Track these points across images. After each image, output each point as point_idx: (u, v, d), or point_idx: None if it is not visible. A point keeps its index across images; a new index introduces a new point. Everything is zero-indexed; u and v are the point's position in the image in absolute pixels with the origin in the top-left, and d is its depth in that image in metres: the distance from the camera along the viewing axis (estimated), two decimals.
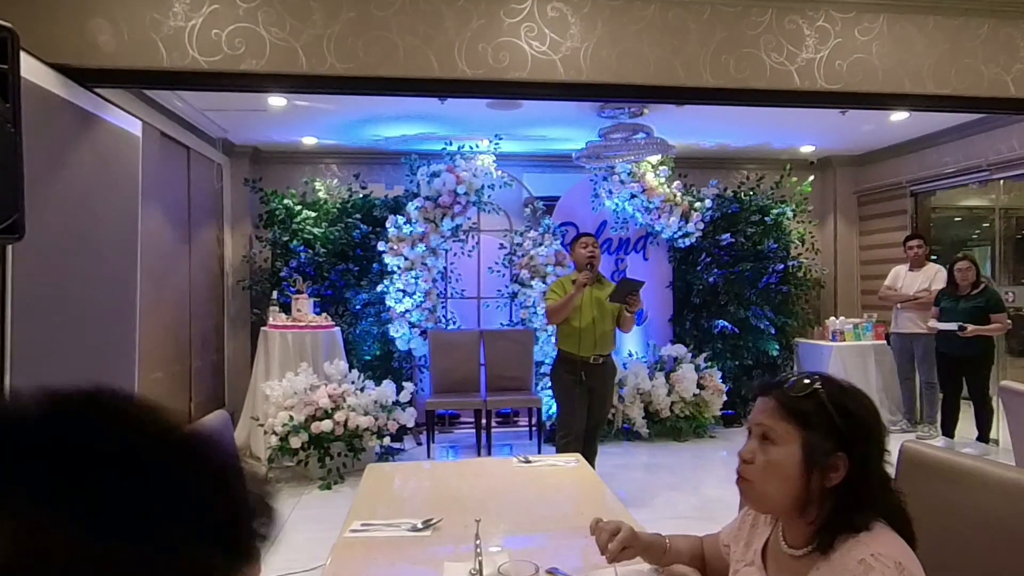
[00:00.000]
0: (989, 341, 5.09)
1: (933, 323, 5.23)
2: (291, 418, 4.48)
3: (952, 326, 4.99)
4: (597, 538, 1.45)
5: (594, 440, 4.02)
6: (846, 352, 5.95)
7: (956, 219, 7.48)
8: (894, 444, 1.61)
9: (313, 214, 5.88)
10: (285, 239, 5.84)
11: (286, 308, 5.43)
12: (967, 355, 5.07)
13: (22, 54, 1.84)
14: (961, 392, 5.25)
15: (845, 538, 1.07)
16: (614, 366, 4.10)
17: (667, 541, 1.49)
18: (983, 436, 5.12)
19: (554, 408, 5.48)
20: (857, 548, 1.05)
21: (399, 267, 5.55)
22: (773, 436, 1.13)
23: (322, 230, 5.81)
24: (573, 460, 2.49)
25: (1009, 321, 5.16)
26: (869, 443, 1.11)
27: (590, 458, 3.57)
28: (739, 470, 1.17)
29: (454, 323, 5.98)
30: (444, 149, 5.72)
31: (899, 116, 5.29)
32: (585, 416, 3.88)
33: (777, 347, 6.20)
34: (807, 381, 1.14)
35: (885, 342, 6.00)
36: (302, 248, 5.76)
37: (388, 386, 4.88)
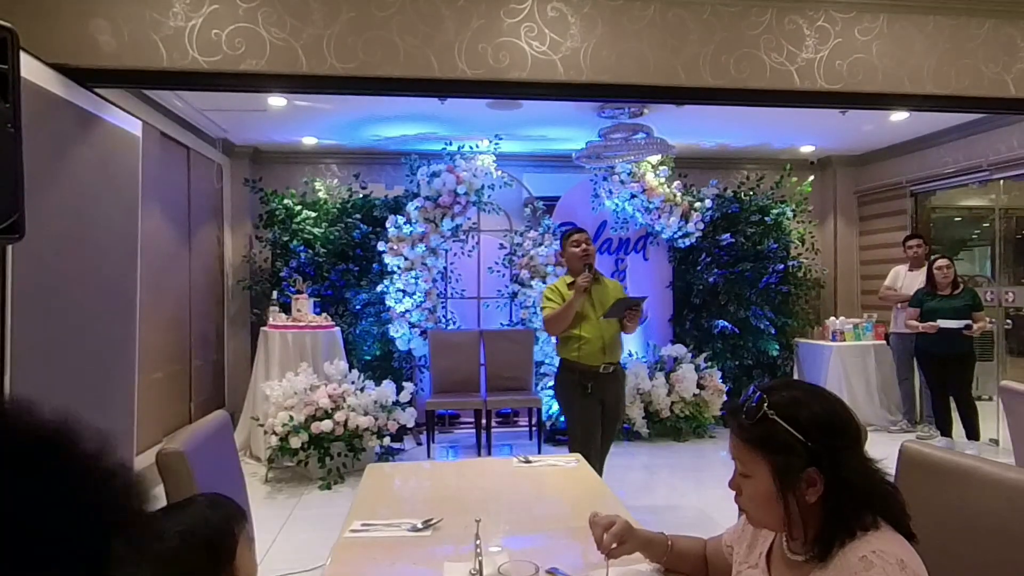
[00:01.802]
0: (972, 340, 5.10)
1: (912, 322, 5.20)
2: (291, 418, 4.48)
3: (958, 324, 4.96)
4: (593, 532, 1.45)
5: (605, 455, 3.65)
6: (846, 352, 5.95)
7: (956, 219, 7.48)
8: (894, 444, 1.62)
9: (313, 214, 5.88)
10: (285, 239, 5.84)
11: (286, 308, 5.43)
12: (954, 354, 5.05)
13: (22, 54, 1.83)
14: (947, 391, 5.25)
15: (844, 541, 1.07)
16: (623, 373, 3.78)
17: (669, 540, 1.50)
18: (974, 434, 5.12)
19: (555, 408, 5.49)
20: (858, 546, 1.05)
21: (399, 267, 5.55)
22: (743, 468, 1.15)
23: (322, 230, 5.81)
24: (573, 460, 2.49)
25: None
26: (835, 446, 1.09)
27: (601, 463, 3.45)
28: (736, 501, 1.20)
29: (454, 323, 5.98)
30: (444, 149, 5.72)
31: (899, 116, 5.28)
32: (599, 431, 3.53)
33: (777, 347, 6.20)
34: (755, 403, 1.13)
35: (885, 342, 6.00)
36: (302, 248, 5.76)
37: (388, 386, 4.88)
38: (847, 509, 1.08)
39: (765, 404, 1.12)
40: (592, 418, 3.50)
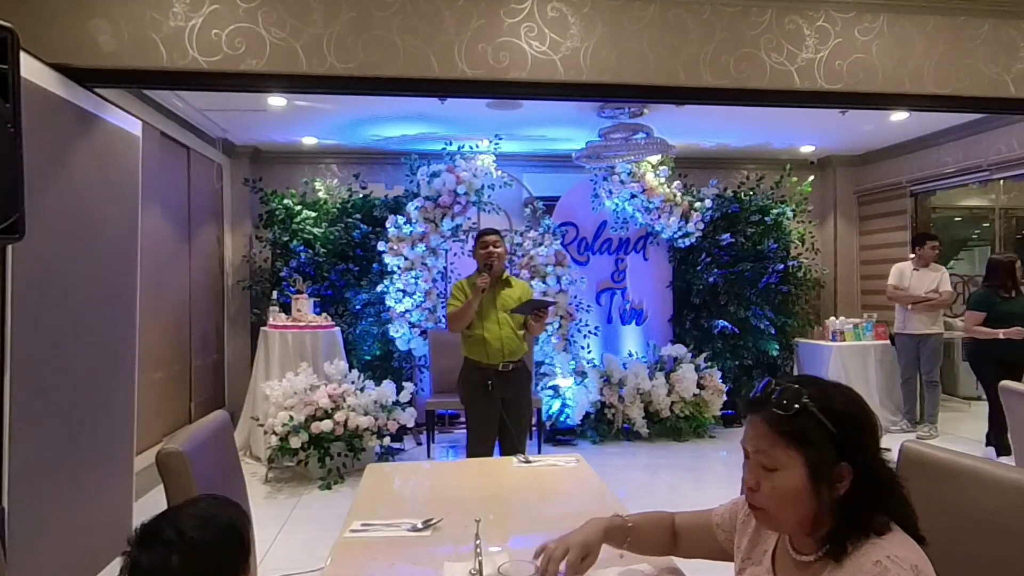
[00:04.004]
0: None
1: (983, 328, 4.74)
2: (291, 418, 4.48)
3: None
4: (551, 570, 1.33)
5: (521, 449, 3.65)
6: (846, 352, 5.95)
7: (956, 219, 7.50)
8: (894, 444, 1.62)
9: (313, 214, 5.88)
10: (285, 239, 5.84)
11: (286, 308, 5.43)
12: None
13: (22, 54, 1.83)
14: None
15: (856, 542, 1.06)
16: (528, 371, 3.86)
17: (629, 523, 1.43)
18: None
19: (555, 408, 5.49)
20: (872, 550, 1.04)
21: (399, 267, 5.55)
22: (773, 463, 1.10)
23: (322, 230, 5.81)
24: (573, 460, 2.49)
25: None
26: (865, 441, 1.09)
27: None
28: (748, 498, 1.15)
29: None
30: (444, 149, 5.72)
31: (899, 116, 5.29)
32: (497, 427, 3.62)
33: (777, 347, 6.20)
34: (793, 396, 1.09)
35: (889, 342, 5.94)
36: (302, 248, 5.76)
37: (388, 386, 4.88)
38: (868, 506, 1.07)
39: (804, 395, 1.09)
40: (491, 415, 3.62)
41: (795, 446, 1.08)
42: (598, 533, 1.39)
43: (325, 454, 4.53)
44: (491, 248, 3.63)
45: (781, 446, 1.09)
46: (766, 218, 6.21)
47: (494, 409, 3.61)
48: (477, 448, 3.62)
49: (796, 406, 1.08)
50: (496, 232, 3.75)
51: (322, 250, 5.78)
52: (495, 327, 3.61)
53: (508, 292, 3.70)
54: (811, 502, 1.08)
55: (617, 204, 6.04)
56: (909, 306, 5.59)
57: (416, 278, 5.56)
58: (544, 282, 5.66)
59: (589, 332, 5.94)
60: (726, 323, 6.05)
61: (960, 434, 5.58)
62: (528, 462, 2.45)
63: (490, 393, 3.57)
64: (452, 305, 3.67)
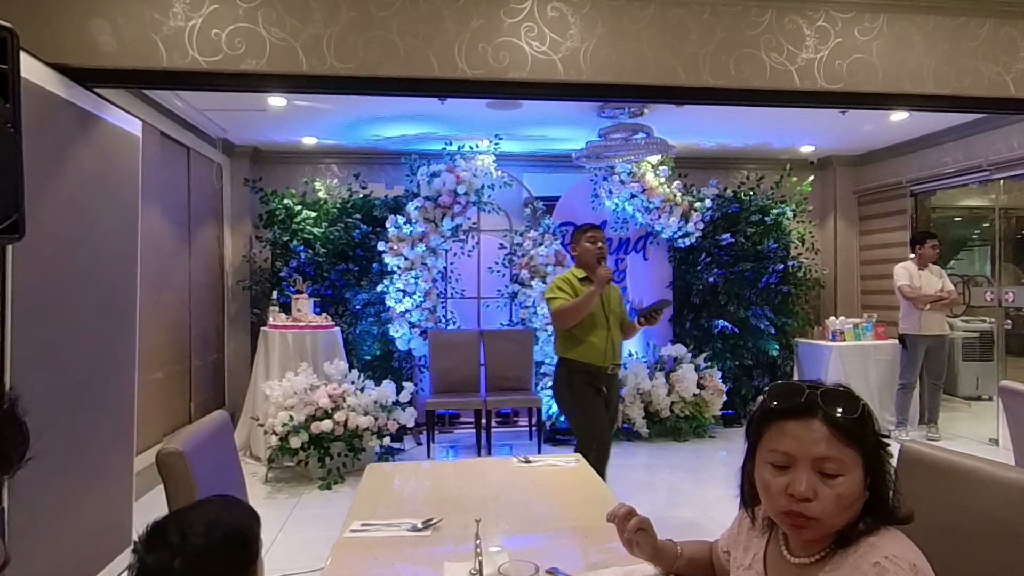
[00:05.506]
0: None
1: None
2: (291, 418, 4.48)
3: None
4: (614, 514, 1.46)
5: (608, 447, 3.72)
6: (846, 352, 5.94)
7: (956, 219, 7.50)
8: (895, 444, 1.62)
9: (313, 214, 5.88)
10: (285, 239, 5.84)
11: (286, 308, 5.43)
12: None
13: (22, 54, 1.83)
14: None
15: (857, 541, 1.06)
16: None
17: (679, 548, 1.46)
18: None
19: (555, 408, 5.49)
20: (870, 552, 1.03)
21: (399, 267, 5.55)
22: (837, 467, 1.05)
23: (322, 230, 5.81)
24: (573, 460, 2.49)
25: None
26: (883, 442, 1.11)
27: (604, 464, 3.44)
28: (799, 510, 1.05)
29: (454, 323, 5.98)
30: (444, 149, 5.72)
31: (899, 116, 5.28)
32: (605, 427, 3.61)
33: (777, 347, 6.20)
34: (855, 398, 1.09)
35: (891, 342, 5.91)
36: (302, 248, 5.76)
37: (388, 386, 4.88)
38: (882, 506, 1.08)
39: (863, 402, 1.09)
40: (603, 418, 3.55)
41: (856, 449, 1.07)
42: (653, 539, 1.46)
43: (325, 454, 4.53)
44: (602, 243, 3.58)
45: (848, 449, 1.06)
46: (766, 218, 6.21)
47: (603, 413, 3.56)
48: (590, 446, 3.40)
49: (860, 407, 1.08)
50: (600, 228, 3.71)
51: (322, 250, 5.78)
52: (604, 330, 3.53)
53: (610, 291, 3.62)
54: (860, 505, 1.07)
55: (617, 204, 6.04)
56: (927, 306, 5.45)
57: (416, 278, 5.57)
58: (544, 282, 5.65)
59: None
60: (726, 323, 6.06)
61: (960, 434, 5.58)
62: (528, 462, 2.46)
63: (601, 395, 3.53)
64: (560, 299, 3.50)
